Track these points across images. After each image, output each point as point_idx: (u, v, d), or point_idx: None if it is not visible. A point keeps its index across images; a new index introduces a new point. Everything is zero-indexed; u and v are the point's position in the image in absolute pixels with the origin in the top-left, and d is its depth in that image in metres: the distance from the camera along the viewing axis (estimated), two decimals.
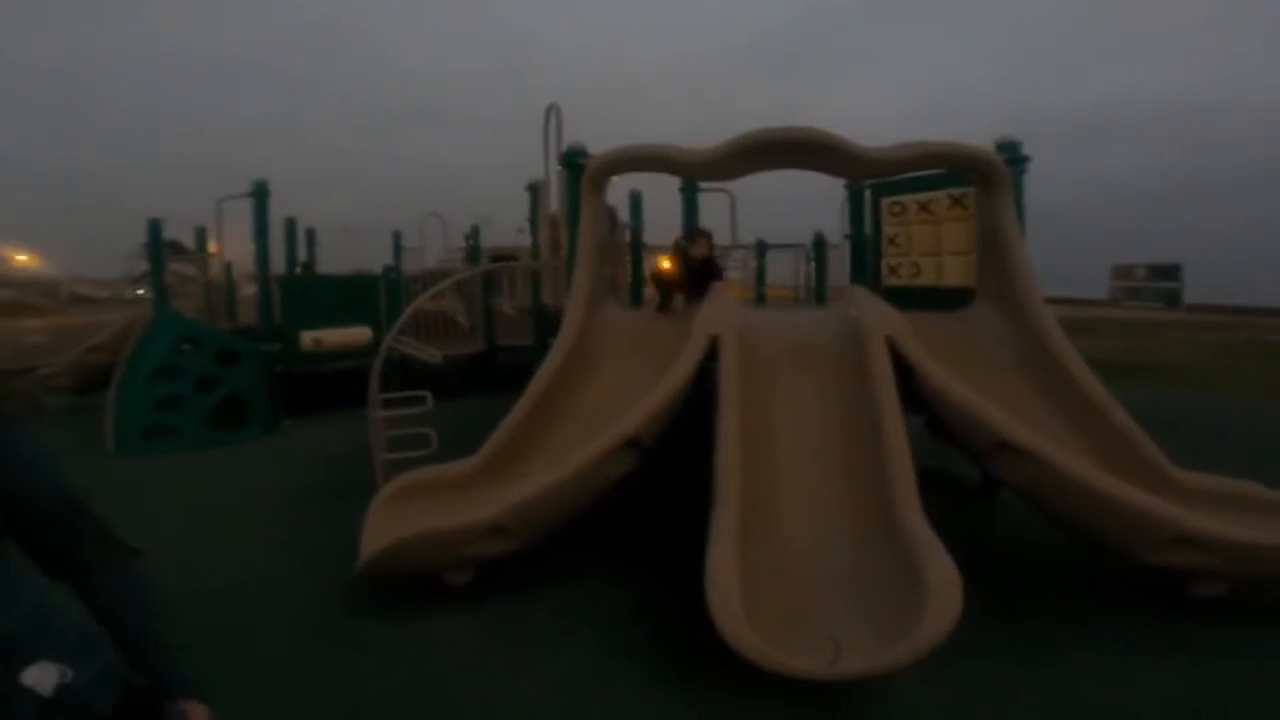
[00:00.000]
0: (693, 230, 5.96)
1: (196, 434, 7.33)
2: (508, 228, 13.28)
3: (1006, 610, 3.36)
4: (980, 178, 4.84)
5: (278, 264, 10.08)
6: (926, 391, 3.67)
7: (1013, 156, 5.21)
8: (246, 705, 2.79)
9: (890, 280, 5.92)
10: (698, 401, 3.94)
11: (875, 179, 6.07)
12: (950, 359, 3.84)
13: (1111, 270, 18.24)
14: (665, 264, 5.79)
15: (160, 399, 7.34)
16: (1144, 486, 3.42)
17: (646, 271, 7.32)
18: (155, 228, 8.56)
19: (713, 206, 8.67)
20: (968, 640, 2.66)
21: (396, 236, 13.39)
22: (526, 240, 10.12)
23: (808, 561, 3.18)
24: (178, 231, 12.16)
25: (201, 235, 11.50)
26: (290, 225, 11.82)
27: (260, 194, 8.38)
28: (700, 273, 5.41)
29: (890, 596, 2.84)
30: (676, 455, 4.00)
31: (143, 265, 9.97)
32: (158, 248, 8.67)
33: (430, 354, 5.47)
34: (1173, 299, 16.30)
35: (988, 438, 3.41)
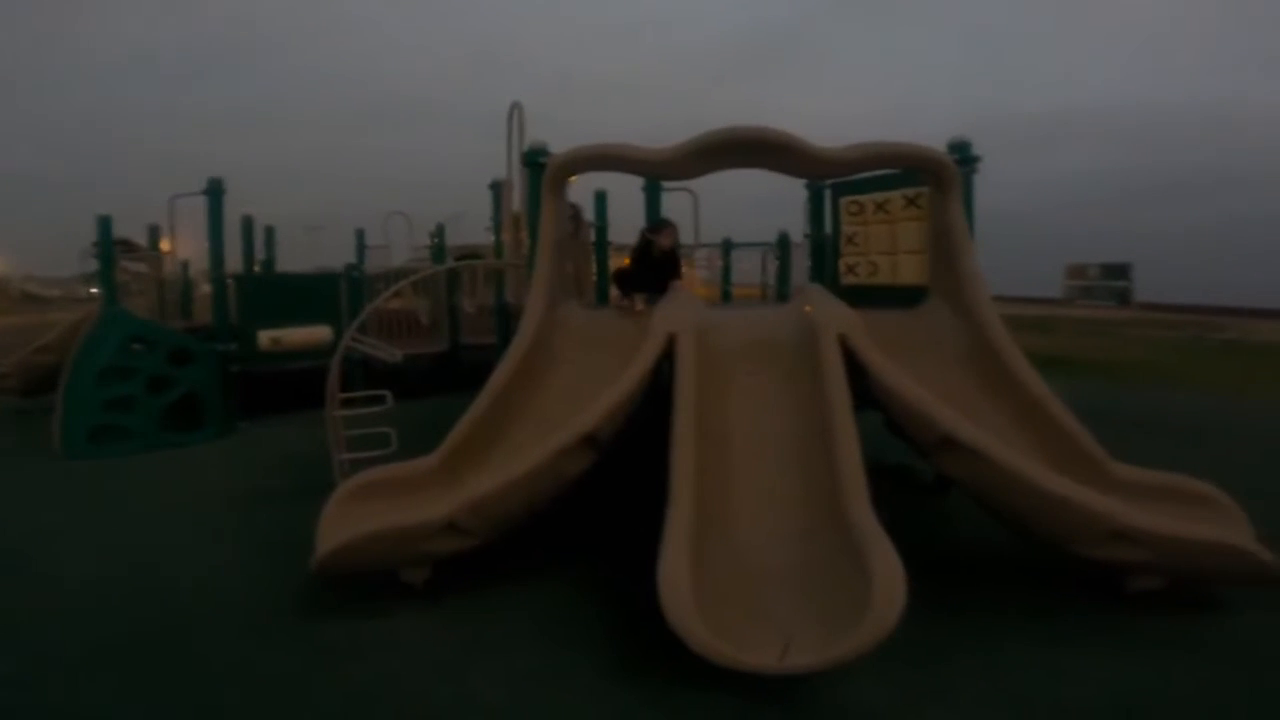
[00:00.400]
0: (658, 222, 5.94)
1: (148, 435, 7.15)
2: (477, 226, 13.18)
3: (954, 605, 3.43)
4: (932, 177, 4.96)
5: (235, 263, 9.89)
6: (877, 388, 3.76)
7: (963, 157, 5.36)
8: (200, 705, 2.76)
9: (848, 279, 6.04)
10: (656, 398, 3.98)
11: (833, 179, 6.18)
12: (901, 356, 3.93)
13: (1065, 269, 18.82)
14: (625, 263, 5.83)
15: (110, 400, 7.13)
16: (1082, 480, 3.52)
17: (612, 270, 7.37)
18: (105, 225, 8.33)
19: (676, 205, 8.74)
20: (916, 635, 2.72)
21: (360, 235, 13.20)
22: (492, 239, 10.08)
23: (760, 556, 3.24)
24: (135, 229, 11.86)
25: (154, 233, 11.24)
26: (247, 223, 11.60)
27: (215, 192, 8.21)
28: (664, 266, 5.43)
29: (838, 591, 2.89)
30: (635, 451, 4.04)
31: (94, 263, 9.67)
32: (108, 246, 8.44)
33: (390, 353, 5.42)
34: (1123, 297, 16.87)
35: (933, 433, 3.51)
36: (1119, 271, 17.32)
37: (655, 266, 5.45)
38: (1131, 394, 9.24)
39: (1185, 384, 9.89)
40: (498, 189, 9.44)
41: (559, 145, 5.64)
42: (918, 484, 5.39)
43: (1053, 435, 3.84)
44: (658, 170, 5.60)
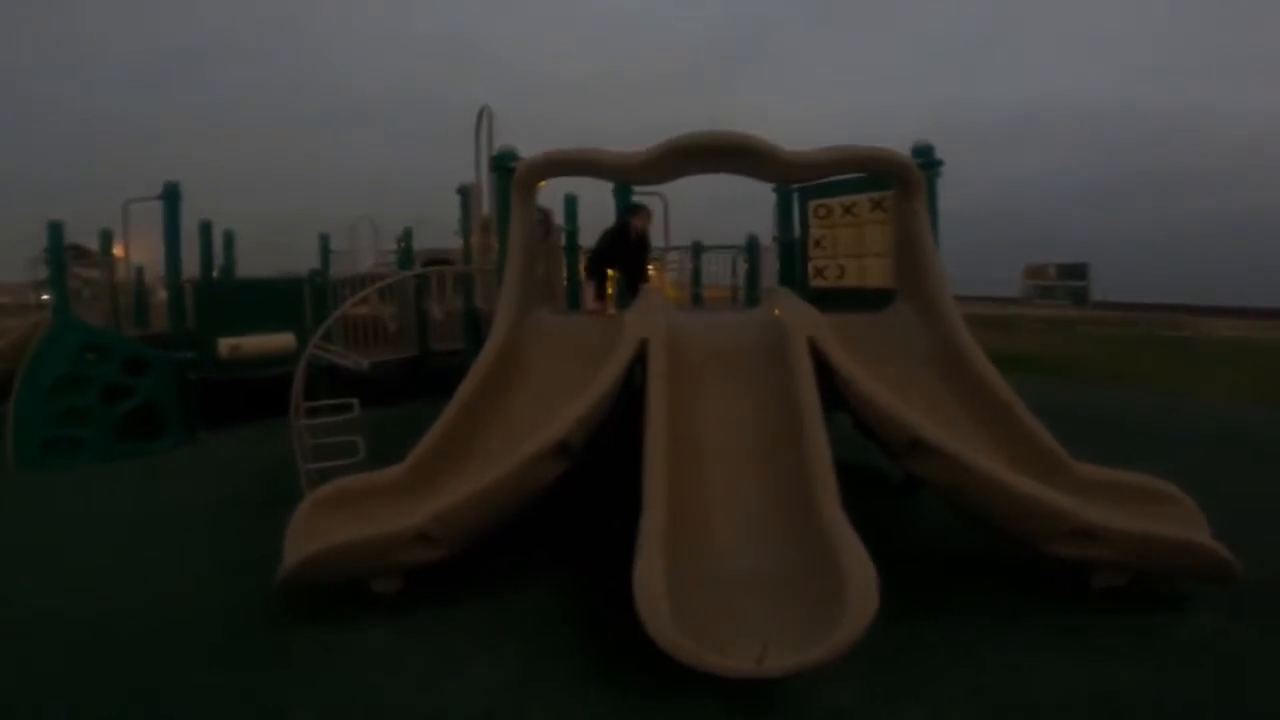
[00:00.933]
0: (636, 205, 6.17)
1: (104, 446, 6.91)
2: (445, 230, 13.05)
3: (926, 605, 3.46)
4: (897, 182, 5.05)
5: (192, 268, 9.64)
6: (846, 391, 3.81)
7: (927, 161, 5.48)
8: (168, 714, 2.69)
9: (816, 282, 6.11)
10: (629, 403, 3.98)
11: (800, 183, 6.26)
12: (869, 359, 3.99)
13: (1024, 270, 19.31)
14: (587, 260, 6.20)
15: (63, 410, 6.88)
16: (1045, 479, 3.61)
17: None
18: (55, 231, 8.05)
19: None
20: (889, 636, 2.76)
21: (324, 239, 12.98)
22: (461, 244, 9.98)
23: (733, 560, 3.25)
24: (88, 235, 11.51)
25: (107, 238, 10.91)
26: (205, 228, 11.31)
27: (171, 196, 8.00)
28: (637, 249, 5.72)
29: (812, 594, 2.92)
30: (608, 457, 4.03)
31: (45, 270, 9.35)
32: (58, 252, 8.16)
33: (356, 361, 5.32)
34: (1080, 297, 17.37)
35: (902, 435, 3.57)
36: (1076, 271, 17.85)
37: (629, 249, 5.72)
38: (1087, 392, 9.50)
39: (1139, 382, 10.22)
40: (466, 193, 9.36)
41: (528, 148, 5.62)
42: (887, 485, 5.47)
43: (1016, 435, 3.93)
44: (628, 175, 5.62)
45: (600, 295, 6.28)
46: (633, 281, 6.23)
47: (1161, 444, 6.65)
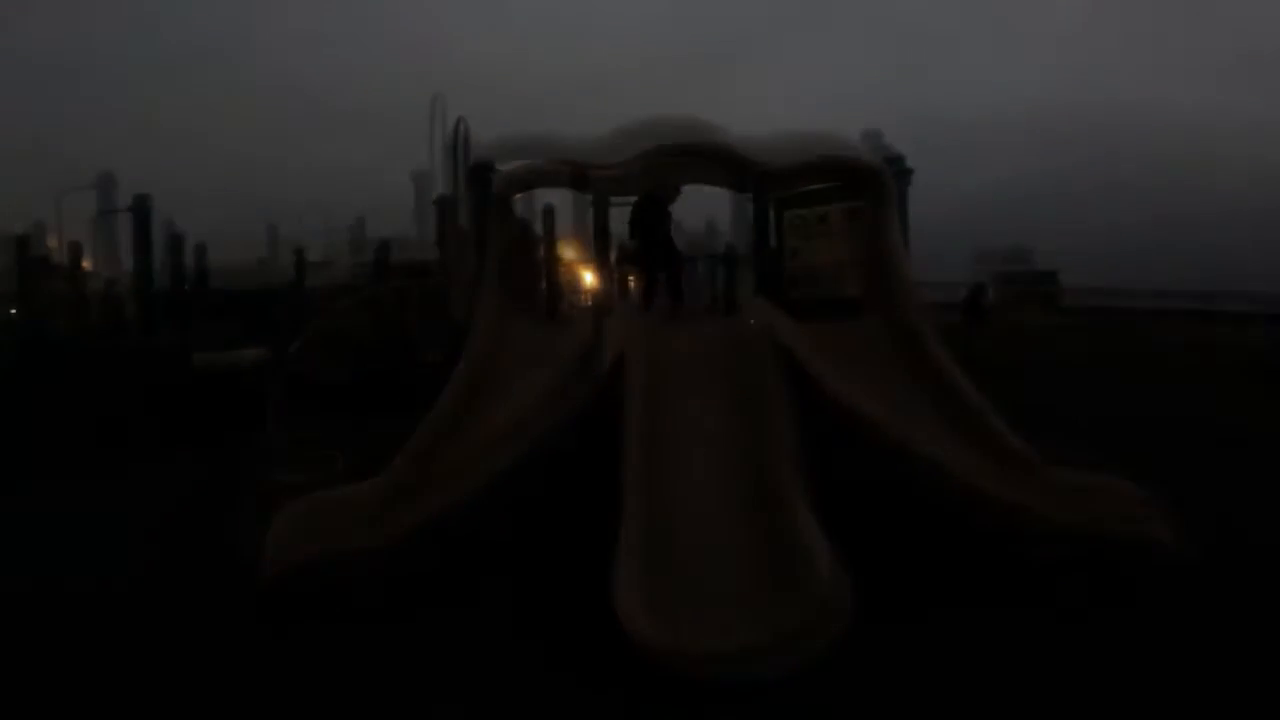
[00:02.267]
0: (645, 197, 5.66)
1: (76, 459, 6.76)
2: (422, 241, 13.01)
3: (893, 603, 3.44)
4: (867, 190, 5.14)
5: (163, 279, 9.53)
6: (819, 396, 3.88)
7: (897, 169, 5.61)
8: None
9: (791, 291, 6.18)
10: (606, 409, 4.01)
11: (776, 192, 6.35)
12: (842, 366, 4.09)
13: (993, 276, 19.78)
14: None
15: (33, 423, 6.74)
16: (1009, 478, 3.72)
17: (565, 278, 7.36)
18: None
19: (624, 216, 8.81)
20: (859, 632, 2.81)
21: (299, 252, 12.89)
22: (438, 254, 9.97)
23: (707, 558, 3.30)
24: (51, 248, 11.38)
25: (76, 252, 10.78)
26: (176, 241, 11.20)
27: (141, 209, 7.93)
28: (667, 243, 5.45)
29: (780, 585, 3.00)
30: (588, 464, 4.05)
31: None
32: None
33: (334, 373, 5.30)
34: (1049, 301, 17.82)
35: (874, 440, 3.65)
36: (1044, 278, 18.32)
37: (659, 241, 5.37)
38: (1054, 394, 9.66)
39: (1106, 383, 10.44)
40: (443, 204, 9.36)
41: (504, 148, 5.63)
42: (861, 489, 5.51)
43: (984, 437, 4.02)
44: (606, 187, 5.68)
45: (648, 290, 5.77)
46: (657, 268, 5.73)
47: (1123, 442, 6.80)
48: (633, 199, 8.05)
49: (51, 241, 11.15)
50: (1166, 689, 2.87)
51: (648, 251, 5.42)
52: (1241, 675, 2.96)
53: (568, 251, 9.87)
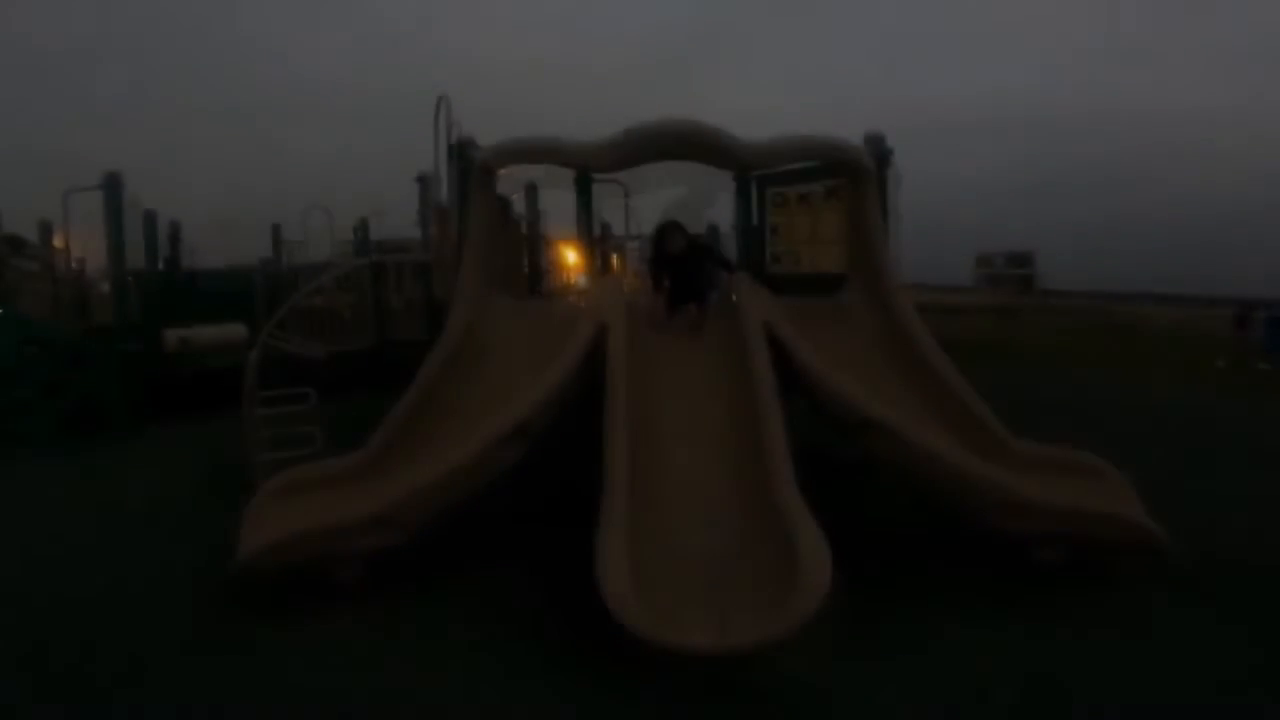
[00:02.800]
0: (661, 227, 5.13)
1: (47, 441, 6.67)
2: (402, 221, 12.86)
3: (878, 583, 3.52)
4: (849, 171, 5.18)
5: (136, 260, 9.35)
6: (800, 372, 3.92)
7: (878, 150, 5.63)
8: (119, 717, 2.65)
9: (773, 268, 6.23)
10: (590, 388, 4.02)
11: (758, 171, 6.37)
12: (822, 342, 4.12)
13: (975, 259, 19.93)
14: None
15: (3, 405, 6.62)
16: (987, 457, 3.78)
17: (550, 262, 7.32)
18: None
19: (607, 197, 8.78)
20: (843, 614, 2.79)
21: (276, 230, 12.68)
22: (420, 234, 9.86)
23: (692, 540, 3.32)
24: (19, 227, 11.09)
25: (45, 230, 10.53)
26: (150, 219, 10.94)
27: (112, 186, 7.74)
28: (687, 267, 4.83)
29: (768, 572, 3.00)
30: (573, 441, 4.06)
31: None
32: None
33: (311, 349, 5.24)
34: (1025, 284, 17.99)
35: (853, 415, 3.70)
36: (1022, 260, 18.48)
37: (678, 268, 4.83)
38: (1029, 375, 9.84)
39: (1078, 365, 10.65)
40: (424, 182, 9.24)
41: (482, 136, 5.60)
42: (840, 466, 5.59)
43: (960, 415, 4.10)
44: (588, 163, 5.64)
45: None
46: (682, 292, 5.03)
47: (1098, 423, 6.96)
48: (613, 178, 8.02)
49: (58, 241, 10.89)
50: (1136, 667, 2.94)
51: (675, 281, 4.84)
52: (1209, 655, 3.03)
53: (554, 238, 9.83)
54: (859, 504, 4.86)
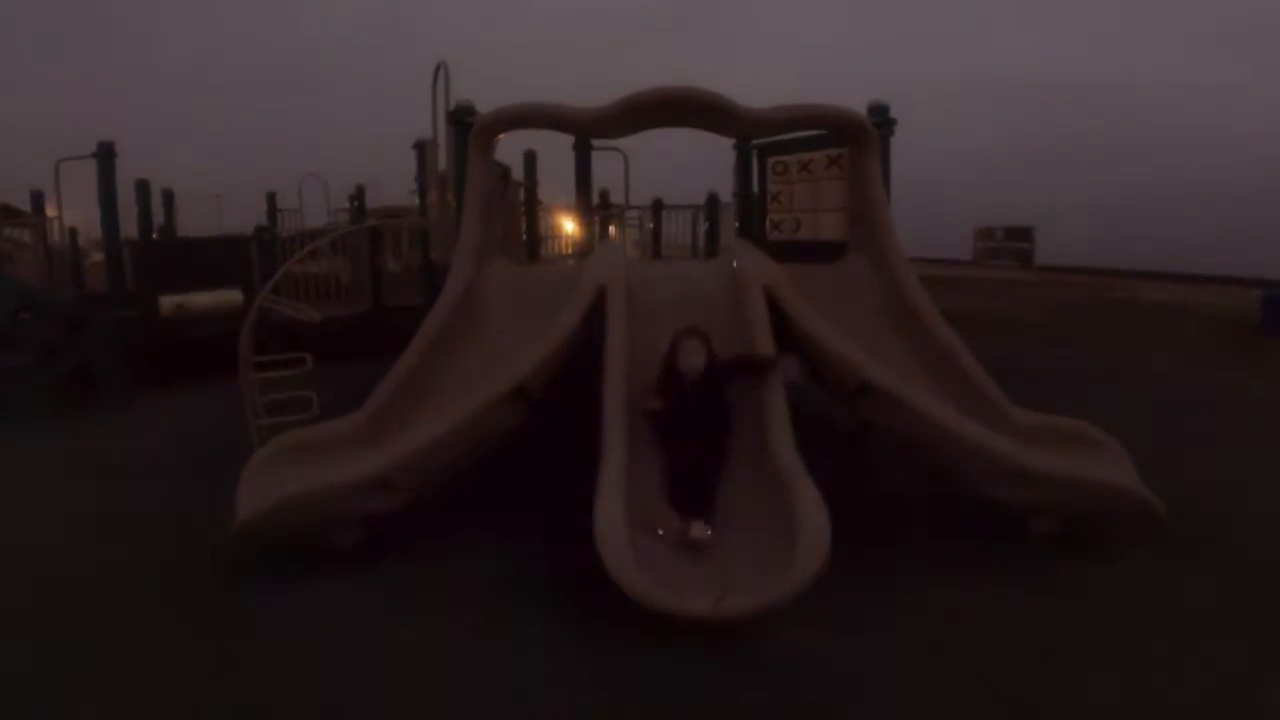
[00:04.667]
0: (680, 331, 3.61)
1: (43, 408, 6.65)
2: (397, 189, 12.73)
3: (875, 550, 3.54)
4: (851, 139, 5.12)
5: (130, 230, 9.28)
6: (800, 337, 3.90)
7: (881, 120, 5.57)
8: (118, 681, 2.66)
9: (773, 235, 6.20)
10: (589, 352, 4.00)
11: (759, 139, 6.30)
12: (822, 307, 4.09)
13: (974, 233, 19.80)
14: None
15: None
16: (985, 424, 3.77)
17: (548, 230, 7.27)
18: None
19: (607, 166, 8.69)
20: (840, 579, 2.83)
21: (270, 197, 12.55)
22: (417, 201, 9.77)
23: (691, 504, 3.31)
24: (12, 196, 11.00)
25: (38, 198, 10.45)
26: (143, 187, 10.81)
27: (105, 155, 7.65)
28: (704, 404, 3.49)
29: (767, 537, 3.01)
30: (570, 406, 4.05)
31: None
32: None
33: (308, 314, 5.20)
34: (1025, 259, 17.91)
35: (852, 379, 3.69)
36: (1022, 234, 18.36)
37: (690, 409, 3.47)
38: (1028, 347, 9.83)
39: (1076, 339, 10.64)
40: (422, 148, 9.13)
41: (483, 104, 5.50)
42: (839, 434, 5.60)
43: (961, 382, 4.09)
44: (588, 128, 5.56)
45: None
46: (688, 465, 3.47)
47: (1096, 395, 6.97)
48: (613, 145, 7.92)
49: (50, 210, 10.78)
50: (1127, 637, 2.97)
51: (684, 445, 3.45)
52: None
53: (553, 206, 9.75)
54: (857, 472, 4.89)
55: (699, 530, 3.20)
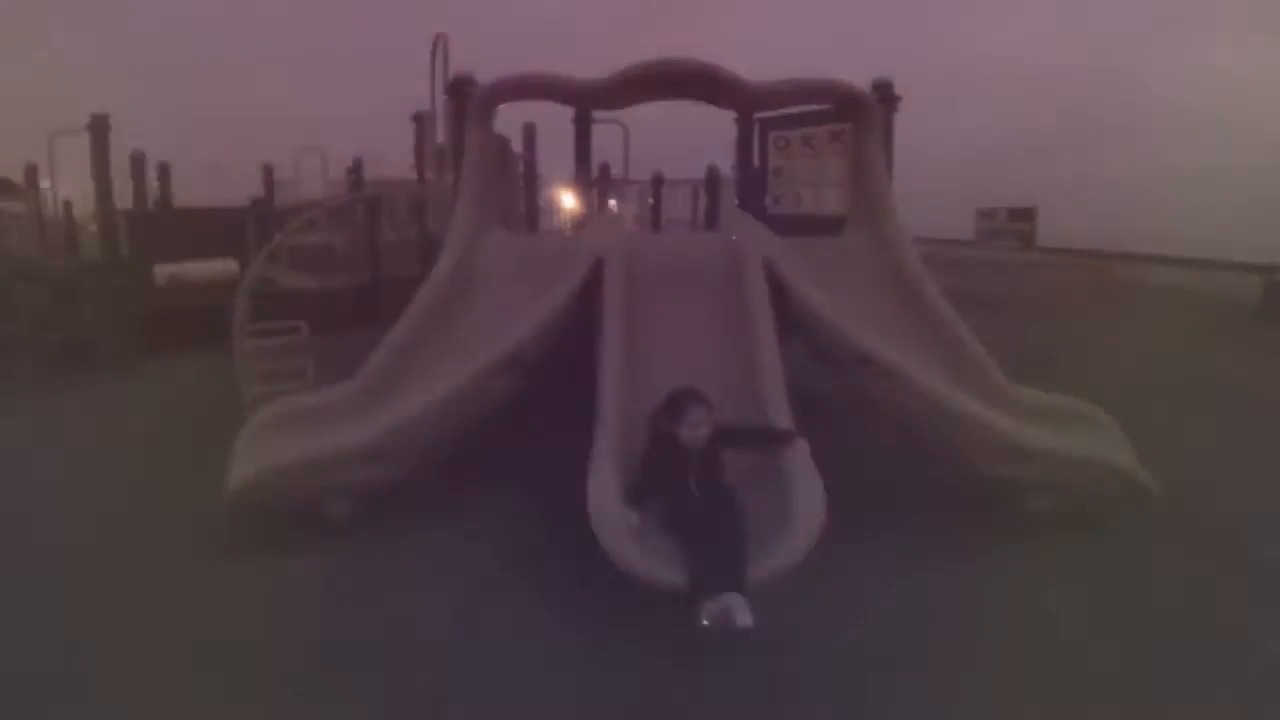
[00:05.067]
0: (677, 394, 3.12)
1: (36, 377, 6.62)
2: (397, 163, 12.60)
3: (869, 525, 3.50)
4: (853, 113, 5.05)
5: (126, 203, 9.22)
6: (798, 309, 3.87)
7: (885, 95, 5.50)
8: (109, 654, 2.66)
9: (774, 209, 6.15)
10: (585, 325, 3.96)
11: (761, 112, 6.23)
12: (822, 281, 4.05)
13: (976, 213, 19.62)
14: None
15: None
16: (982, 400, 3.76)
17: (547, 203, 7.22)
18: None
19: (607, 137, 8.60)
20: (833, 553, 2.80)
21: (268, 170, 12.44)
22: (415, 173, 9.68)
23: None
24: (8, 169, 10.95)
25: (32, 173, 10.42)
26: (138, 159, 10.71)
27: (99, 128, 7.57)
28: (709, 462, 3.05)
29: (761, 510, 2.96)
30: (566, 378, 4.03)
31: None
32: None
33: (303, 282, 5.17)
34: (1025, 240, 17.76)
35: (850, 352, 3.66)
36: (1023, 215, 18.21)
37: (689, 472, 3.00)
38: (1028, 326, 9.78)
39: (1076, 319, 10.60)
40: (420, 120, 9.03)
41: (483, 75, 5.41)
42: (835, 410, 5.56)
43: (959, 358, 4.05)
44: (587, 100, 5.48)
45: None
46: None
47: (1092, 376, 6.95)
48: (614, 118, 7.81)
49: (44, 183, 10.72)
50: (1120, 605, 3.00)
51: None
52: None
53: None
54: (848, 447, 4.86)
55: (742, 614, 2.52)
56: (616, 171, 9.22)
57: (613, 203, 9.04)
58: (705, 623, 2.53)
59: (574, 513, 2.88)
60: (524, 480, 4.16)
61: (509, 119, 6.28)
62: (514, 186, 6.94)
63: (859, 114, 4.96)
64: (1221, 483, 4.27)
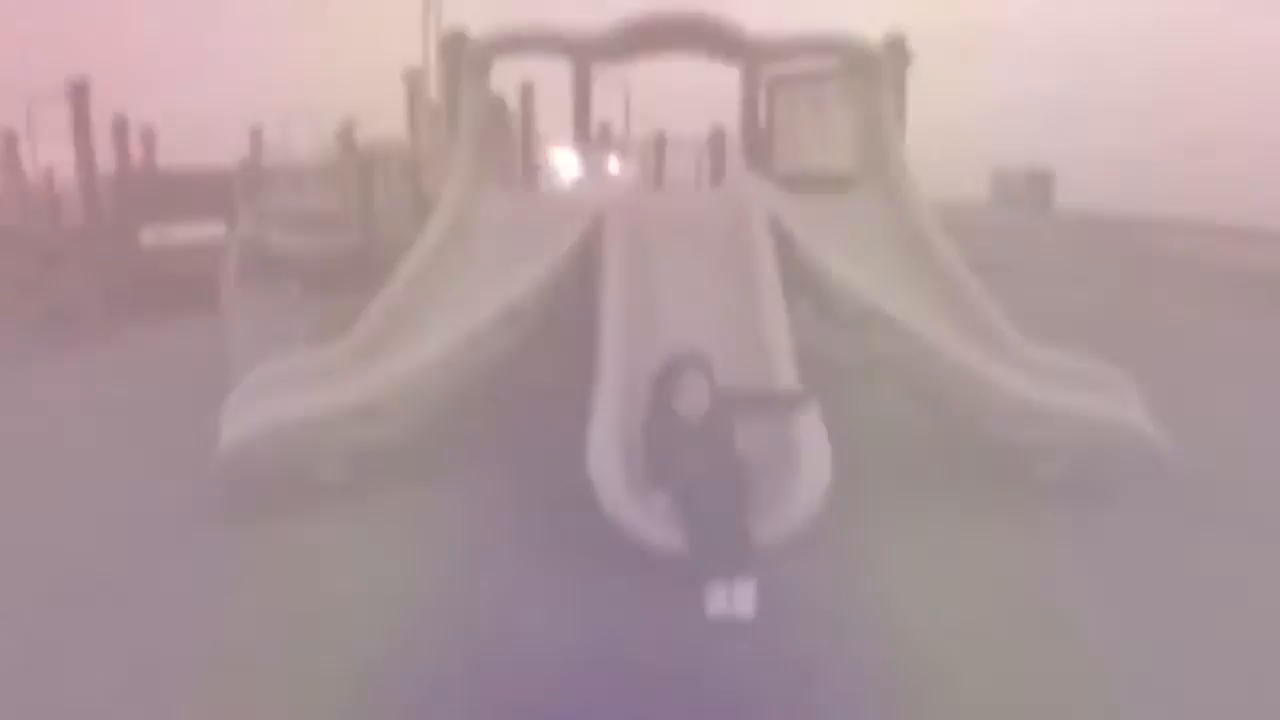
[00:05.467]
0: (672, 364, 2.89)
1: (19, 345, 6.49)
2: (391, 123, 12.31)
3: (874, 486, 3.45)
4: (861, 68, 4.87)
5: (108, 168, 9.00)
6: (805, 266, 3.75)
7: (898, 51, 5.31)
8: (104, 621, 2.61)
9: (781, 166, 5.99)
10: (586, 283, 3.84)
11: (765, 62, 6.04)
12: (829, 237, 3.93)
13: (992, 175, 19.34)
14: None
15: None
16: (994, 358, 3.66)
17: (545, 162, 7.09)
18: None
19: (608, 97, 8.36)
20: (840, 511, 2.78)
21: (256, 133, 12.13)
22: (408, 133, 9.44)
23: None
24: None
25: (11, 140, 10.16)
26: (121, 126, 10.41)
27: (79, 94, 7.37)
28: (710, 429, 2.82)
29: (767, 468, 2.91)
30: (567, 338, 3.92)
31: None
32: None
33: (294, 241, 5.02)
34: (1043, 205, 17.56)
35: (857, 307, 3.56)
36: (1041, 180, 17.97)
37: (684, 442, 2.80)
38: (1044, 289, 9.64)
39: (1094, 284, 10.49)
40: (412, 79, 8.79)
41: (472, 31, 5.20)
42: (841, 370, 5.44)
43: (970, 316, 3.93)
44: (587, 54, 5.30)
45: None
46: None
47: (1108, 340, 6.83)
48: (613, 68, 7.61)
49: (23, 149, 10.55)
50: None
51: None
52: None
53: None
54: (854, 407, 4.77)
55: (744, 605, 2.45)
56: (618, 129, 9.01)
57: (614, 162, 8.85)
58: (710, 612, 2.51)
59: (578, 473, 2.81)
60: (524, 443, 4.06)
61: (507, 73, 6.07)
62: (510, 145, 6.76)
63: (866, 69, 4.78)
64: (1235, 446, 4.18)
